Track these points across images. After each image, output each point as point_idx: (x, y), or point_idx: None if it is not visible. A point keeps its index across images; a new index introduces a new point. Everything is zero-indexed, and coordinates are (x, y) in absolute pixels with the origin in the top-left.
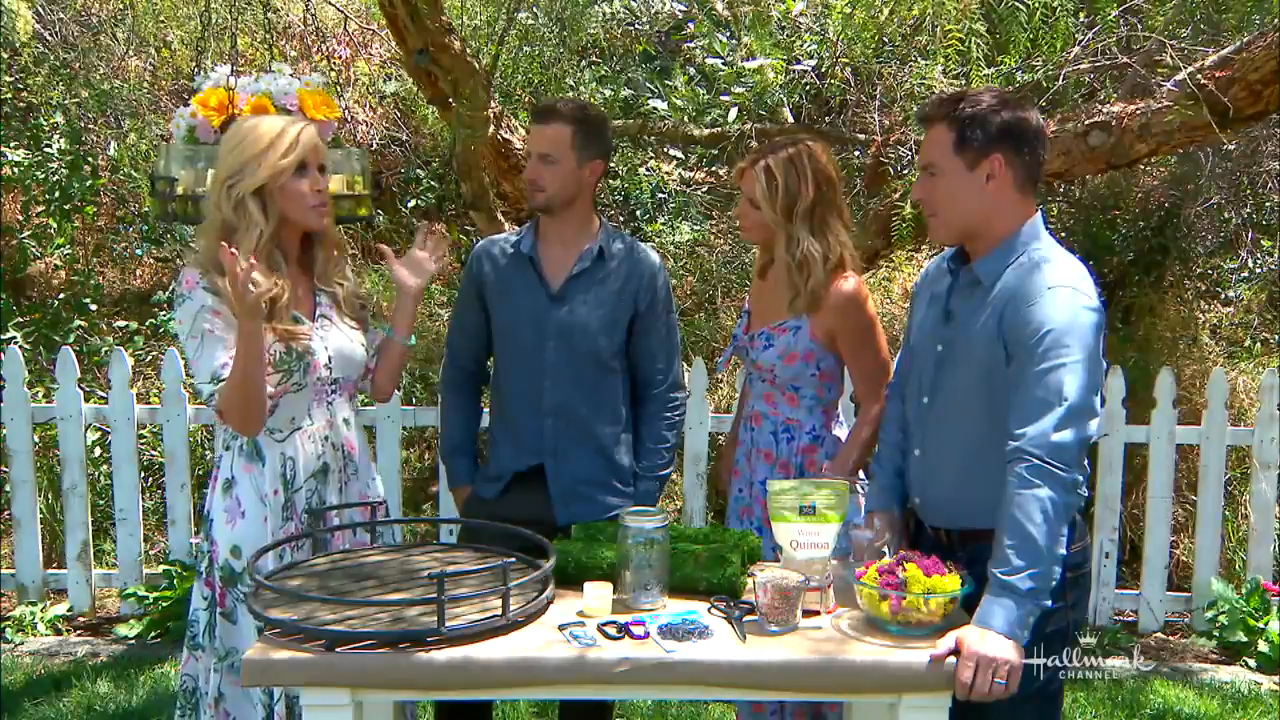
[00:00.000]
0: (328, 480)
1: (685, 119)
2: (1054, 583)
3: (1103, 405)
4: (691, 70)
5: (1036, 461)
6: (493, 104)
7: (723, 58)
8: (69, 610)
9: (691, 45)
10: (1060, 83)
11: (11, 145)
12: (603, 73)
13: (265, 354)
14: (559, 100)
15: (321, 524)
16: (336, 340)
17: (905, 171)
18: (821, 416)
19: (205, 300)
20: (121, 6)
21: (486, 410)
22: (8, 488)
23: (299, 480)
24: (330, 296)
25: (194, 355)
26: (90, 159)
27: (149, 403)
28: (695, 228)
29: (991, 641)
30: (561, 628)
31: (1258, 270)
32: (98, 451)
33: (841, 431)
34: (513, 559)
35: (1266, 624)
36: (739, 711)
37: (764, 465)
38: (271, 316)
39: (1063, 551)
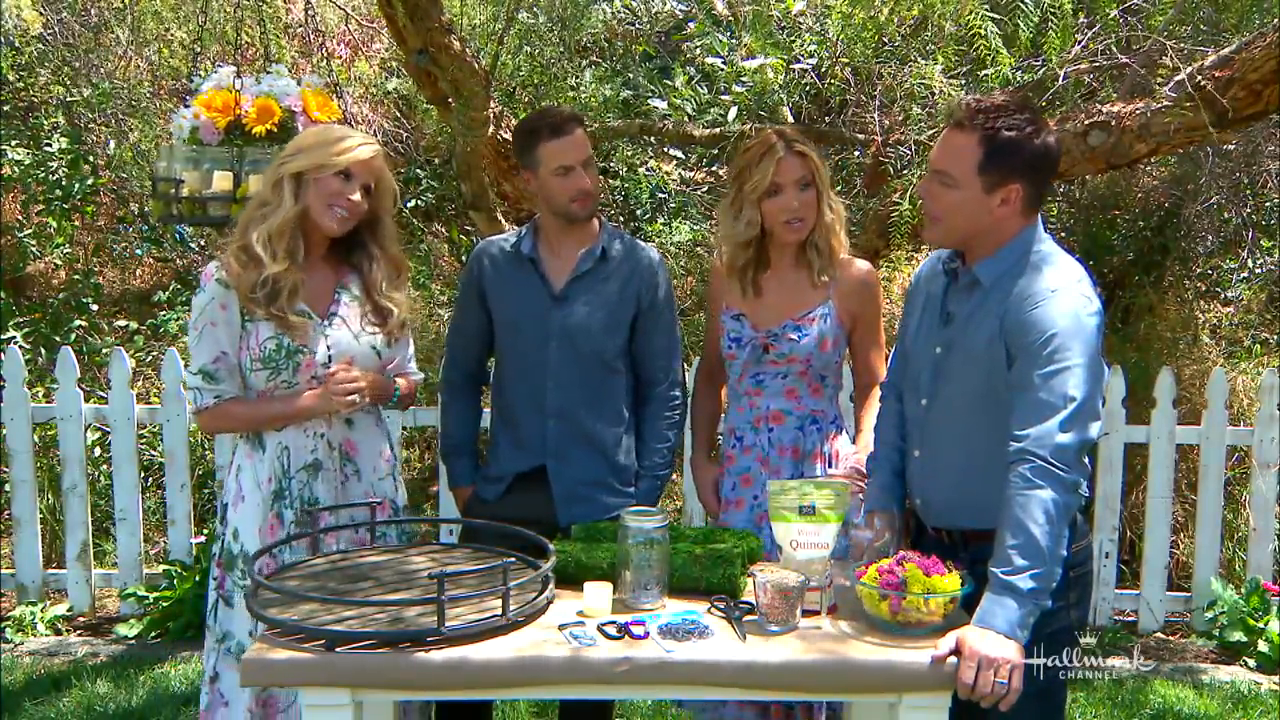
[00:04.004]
0: (319, 476)
1: (685, 119)
2: (1055, 583)
3: (1103, 405)
4: (691, 70)
5: (1039, 462)
6: (493, 104)
7: (723, 57)
8: (69, 610)
9: (691, 45)
10: (1060, 82)
11: (12, 144)
12: (603, 73)
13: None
14: (552, 108)
15: (317, 523)
16: (344, 341)
17: (905, 171)
18: (836, 405)
19: (216, 293)
20: (122, 5)
21: (486, 410)
22: (8, 488)
23: (292, 470)
24: (356, 299)
25: (191, 344)
26: (90, 158)
27: (149, 403)
28: (695, 228)
29: (992, 641)
30: (561, 628)
31: (1258, 270)
32: (98, 451)
33: (847, 420)
34: (512, 559)
35: (1266, 624)
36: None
37: (790, 462)
38: (272, 300)
39: (1064, 552)
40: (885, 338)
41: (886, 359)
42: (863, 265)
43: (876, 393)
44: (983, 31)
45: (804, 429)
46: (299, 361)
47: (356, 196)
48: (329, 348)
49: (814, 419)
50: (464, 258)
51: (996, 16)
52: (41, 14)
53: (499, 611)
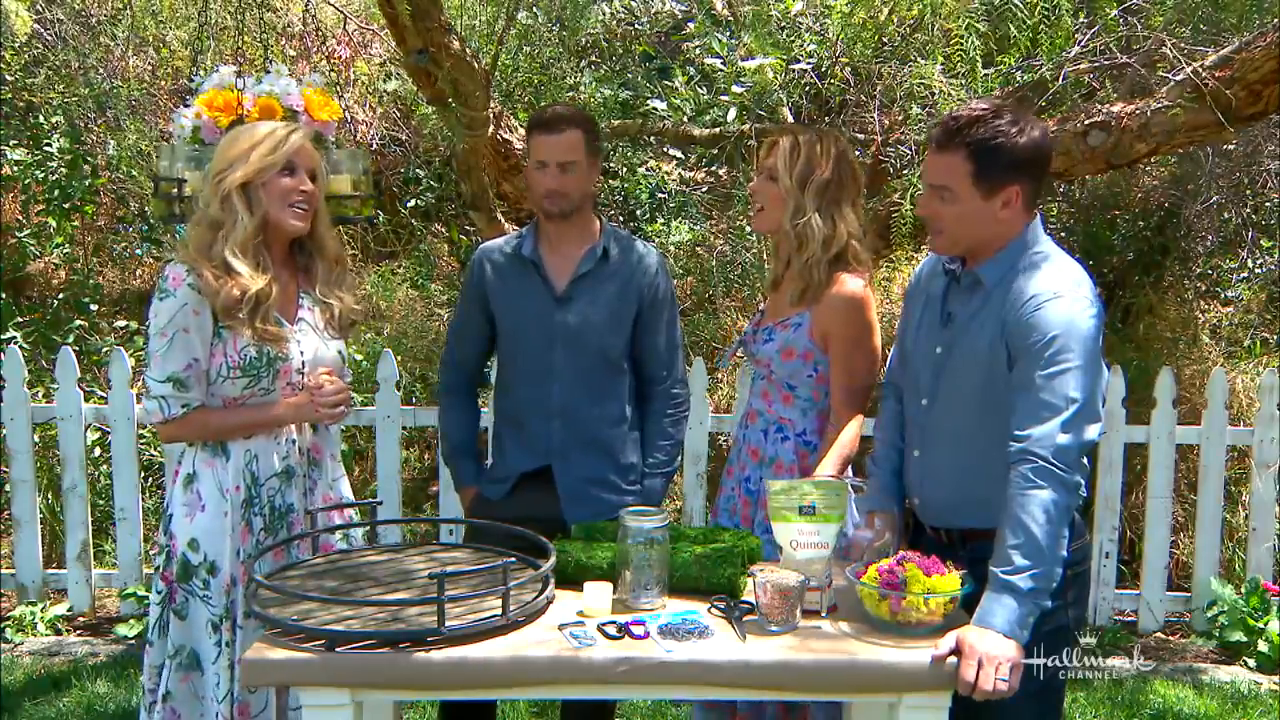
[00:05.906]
0: (291, 483)
1: (685, 119)
2: (1055, 583)
3: (1103, 406)
4: (691, 70)
5: (1040, 463)
6: (493, 104)
7: (722, 57)
8: (69, 610)
9: (691, 45)
10: (1060, 82)
11: (11, 144)
12: (602, 73)
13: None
14: (559, 106)
15: (316, 523)
16: (313, 346)
17: (905, 171)
18: (815, 420)
19: (189, 299)
20: (120, 6)
21: (485, 410)
22: (8, 488)
23: (263, 478)
24: (315, 302)
25: (158, 350)
26: (90, 158)
27: None
28: (694, 228)
29: (992, 640)
30: (561, 627)
31: (1258, 270)
32: (98, 451)
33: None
34: (512, 559)
35: (1266, 624)
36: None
37: (752, 463)
38: (255, 315)
39: (1064, 553)
40: (879, 358)
41: (856, 385)
42: (849, 284)
43: (842, 417)
44: (961, 42)
45: (767, 433)
46: (278, 369)
47: (309, 185)
48: (302, 352)
49: (780, 426)
50: (464, 257)
51: (988, 21)
52: (39, 13)
53: (499, 611)
